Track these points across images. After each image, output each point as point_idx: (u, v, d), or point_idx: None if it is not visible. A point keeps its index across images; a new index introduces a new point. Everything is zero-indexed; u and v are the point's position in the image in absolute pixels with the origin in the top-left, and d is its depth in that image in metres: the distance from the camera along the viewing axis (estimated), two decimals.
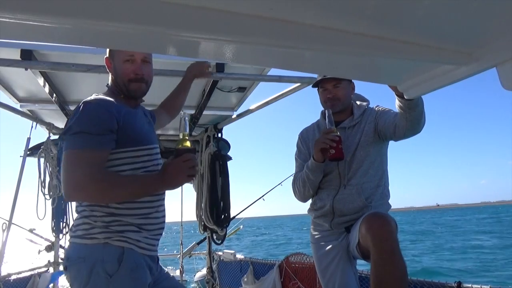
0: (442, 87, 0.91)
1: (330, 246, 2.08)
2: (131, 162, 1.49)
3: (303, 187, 2.12)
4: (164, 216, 1.60)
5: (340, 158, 1.88)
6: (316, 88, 2.20)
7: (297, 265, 3.40)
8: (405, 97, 1.27)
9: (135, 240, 1.42)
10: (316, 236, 2.18)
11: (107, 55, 1.64)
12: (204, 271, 5.15)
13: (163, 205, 1.61)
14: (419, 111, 1.68)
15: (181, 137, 1.54)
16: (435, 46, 0.78)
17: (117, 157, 1.46)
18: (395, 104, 1.71)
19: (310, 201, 2.24)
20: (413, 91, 1.01)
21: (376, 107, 2.15)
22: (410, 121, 1.73)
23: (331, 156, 1.87)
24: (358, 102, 2.20)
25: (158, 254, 1.62)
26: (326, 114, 1.94)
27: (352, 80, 2.16)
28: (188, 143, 1.51)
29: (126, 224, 1.42)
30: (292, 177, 2.29)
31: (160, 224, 1.56)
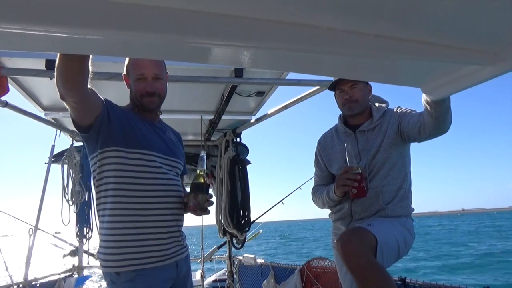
0: (467, 88, 0.89)
1: None
2: (122, 162, 1.58)
3: (322, 205, 2.18)
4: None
5: (363, 196, 1.87)
6: (333, 92, 2.16)
7: (318, 270, 3.37)
8: (428, 99, 1.24)
9: None
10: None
11: (124, 72, 1.76)
12: (213, 277, 5.12)
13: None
14: (445, 106, 1.61)
15: (197, 172, 1.74)
16: (459, 46, 0.76)
17: (107, 156, 1.58)
18: (422, 99, 1.65)
19: None
20: (437, 92, 0.99)
21: (397, 108, 2.08)
22: (436, 118, 1.66)
23: (354, 195, 1.86)
24: (377, 104, 2.15)
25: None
26: (346, 149, 1.89)
27: (369, 82, 2.12)
28: (202, 179, 1.71)
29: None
30: (310, 181, 2.29)
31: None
